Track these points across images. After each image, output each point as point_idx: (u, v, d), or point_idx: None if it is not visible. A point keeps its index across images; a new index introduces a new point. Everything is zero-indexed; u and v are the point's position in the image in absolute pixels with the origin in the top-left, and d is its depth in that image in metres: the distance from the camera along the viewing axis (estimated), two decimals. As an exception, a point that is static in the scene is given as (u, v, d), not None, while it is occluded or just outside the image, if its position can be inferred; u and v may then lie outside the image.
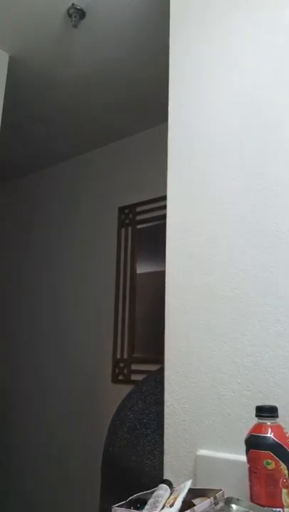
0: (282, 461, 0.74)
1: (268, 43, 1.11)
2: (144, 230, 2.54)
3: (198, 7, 1.30)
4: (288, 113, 1.03)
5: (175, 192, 1.21)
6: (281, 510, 0.72)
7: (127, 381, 2.38)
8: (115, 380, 2.44)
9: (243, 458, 0.80)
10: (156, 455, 1.12)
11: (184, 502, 0.71)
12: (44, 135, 2.81)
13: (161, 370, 1.32)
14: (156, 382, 1.29)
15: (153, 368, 2.14)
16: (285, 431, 0.77)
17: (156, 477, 1.08)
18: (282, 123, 1.04)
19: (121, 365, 2.44)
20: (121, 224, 2.66)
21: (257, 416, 0.80)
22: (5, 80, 1.96)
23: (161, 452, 1.10)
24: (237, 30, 1.18)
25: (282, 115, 1.04)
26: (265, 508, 0.72)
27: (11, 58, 2.03)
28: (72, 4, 1.73)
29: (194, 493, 0.78)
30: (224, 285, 1.04)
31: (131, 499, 0.79)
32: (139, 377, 2.29)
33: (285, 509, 0.72)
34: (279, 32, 1.10)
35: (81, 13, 1.76)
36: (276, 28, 1.10)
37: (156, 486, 0.80)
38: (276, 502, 0.73)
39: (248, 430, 0.80)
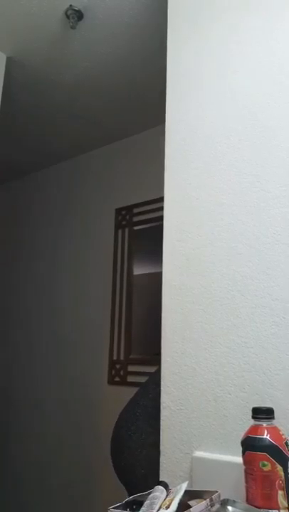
0: (279, 463, 0.74)
1: (267, 45, 1.11)
2: (141, 231, 2.54)
3: (197, 8, 1.30)
4: (285, 116, 1.04)
5: (172, 193, 1.21)
6: (277, 511, 0.72)
7: (124, 382, 2.37)
8: (111, 381, 2.43)
9: (240, 459, 0.80)
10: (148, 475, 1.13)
11: (179, 504, 0.71)
12: (41, 136, 2.81)
13: (139, 392, 1.31)
14: (136, 406, 1.29)
15: (149, 369, 2.14)
16: (281, 432, 0.77)
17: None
18: (279, 126, 1.04)
19: (117, 366, 2.44)
20: (118, 225, 2.66)
21: (253, 417, 0.80)
22: (2, 81, 1.96)
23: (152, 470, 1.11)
24: (237, 31, 1.18)
25: (279, 118, 1.05)
26: (261, 509, 0.72)
27: (8, 59, 2.03)
28: (70, 5, 1.73)
29: (190, 495, 0.78)
30: (221, 286, 1.04)
31: (127, 501, 0.79)
32: (135, 379, 2.29)
33: (281, 511, 0.72)
34: (278, 35, 1.10)
35: (79, 14, 1.76)
36: (276, 32, 1.11)
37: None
38: (272, 504, 0.73)
39: (245, 432, 0.80)
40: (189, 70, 1.26)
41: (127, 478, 1.21)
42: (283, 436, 0.77)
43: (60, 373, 2.71)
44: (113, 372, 2.44)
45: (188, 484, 0.79)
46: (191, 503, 0.76)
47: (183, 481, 0.82)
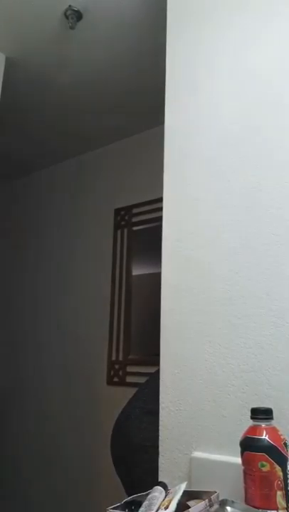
0: (277, 464, 0.74)
1: (267, 50, 1.12)
2: (140, 231, 2.54)
3: (197, 11, 1.30)
4: (283, 117, 1.04)
5: (171, 194, 1.21)
6: (276, 512, 0.72)
7: (122, 383, 2.37)
8: (110, 382, 2.43)
9: (238, 460, 0.80)
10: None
11: (178, 504, 0.71)
12: (40, 136, 2.80)
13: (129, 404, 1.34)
14: (129, 407, 1.33)
15: (148, 369, 2.14)
16: (279, 433, 0.78)
17: None
18: (277, 126, 1.04)
19: (116, 366, 2.43)
20: (117, 225, 2.66)
21: (252, 418, 0.80)
22: (1, 80, 1.96)
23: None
24: (237, 36, 1.19)
25: (277, 118, 1.05)
26: (260, 510, 0.72)
27: (7, 59, 2.03)
28: (69, 6, 1.73)
29: (189, 496, 0.78)
30: (219, 287, 1.04)
31: (126, 501, 0.79)
32: (134, 379, 2.29)
33: (280, 511, 0.72)
34: (280, 41, 1.10)
35: (78, 15, 1.76)
36: (277, 37, 1.11)
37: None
38: (271, 504, 0.73)
39: (243, 432, 0.80)
40: (188, 70, 1.26)
41: (118, 473, 1.27)
42: (282, 437, 0.77)
43: (59, 374, 2.71)
44: (112, 372, 2.44)
45: (187, 485, 0.79)
46: (190, 503, 0.76)
47: (182, 482, 0.82)
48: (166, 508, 0.70)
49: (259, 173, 1.04)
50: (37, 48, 1.97)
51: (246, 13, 1.17)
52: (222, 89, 1.17)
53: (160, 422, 1.07)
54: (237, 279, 1.02)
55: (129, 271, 2.52)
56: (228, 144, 1.12)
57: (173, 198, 1.20)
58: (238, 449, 0.80)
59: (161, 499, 0.75)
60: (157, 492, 0.77)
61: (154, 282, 2.35)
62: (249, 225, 1.03)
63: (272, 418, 0.79)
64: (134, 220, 2.59)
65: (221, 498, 0.76)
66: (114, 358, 2.46)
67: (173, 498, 0.73)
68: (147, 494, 0.78)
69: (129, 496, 0.82)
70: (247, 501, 0.76)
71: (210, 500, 0.74)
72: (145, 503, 0.74)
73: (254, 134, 1.08)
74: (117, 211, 2.68)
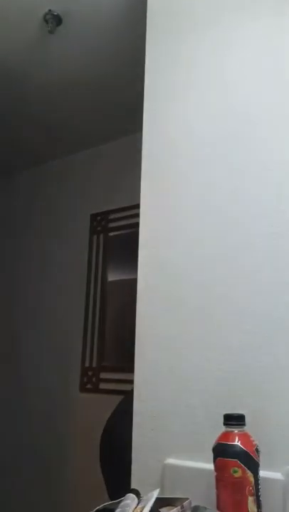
0: (249, 469, 0.75)
1: (245, 59, 1.14)
2: (116, 237, 2.54)
3: (177, 17, 1.32)
4: (256, 128, 1.06)
5: (148, 200, 1.21)
6: (247, 517, 0.73)
7: (96, 390, 2.35)
8: (83, 389, 2.41)
9: (211, 466, 0.80)
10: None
11: (151, 511, 0.71)
12: (17, 140, 2.77)
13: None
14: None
15: (122, 376, 2.13)
16: (251, 439, 0.78)
17: None
18: (255, 136, 1.06)
19: (89, 373, 2.41)
20: (93, 231, 2.65)
21: (225, 424, 0.81)
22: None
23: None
24: (215, 45, 1.21)
25: (254, 129, 1.07)
26: (231, 516, 0.73)
27: (-16, 61, 2.01)
28: (49, 10, 1.72)
29: (162, 502, 0.78)
30: (194, 294, 1.05)
31: (98, 509, 0.78)
32: (107, 386, 2.27)
33: (251, 517, 0.73)
34: (258, 50, 1.13)
35: (57, 19, 1.75)
36: (255, 44, 1.14)
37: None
38: (242, 510, 0.73)
39: (216, 438, 0.81)
40: (167, 80, 1.28)
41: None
42: (254, 443, 0.78)
43: (32, 380, 2.67)
44: (85, 379, 2.42)
45: (159, 492, 0.79)
46: (162, 510, 0.76)
47: (154, 489, 0.82)
48: (139, 515, 0.70)
49: (236, 183, 1.06)
50: (15, 51, 1.96)
51: (224, 22, 1.20)
52: (200, 99, 1.19)
53: (133, 429, 1.07)
54: (211, 286, 1.03)
55: (104, 276, 2.51)
56: (206, 152, 1.13)
57: (150, 204, 1.21)
58: (212, 455, 0.80)
59: (133, 506, 0.74)
60: (130, 499, 0.76)
61: (129, 288, 2.35)
62: (226, 234, 1.04)
63: (244, 424, 0.80)
64: (111, 225, 2.59)
65: (193, 505, 0.76)
66: (87, 364, 2.44)
67: (145, 505, 0.72)
68: (119, 502, 0.77)
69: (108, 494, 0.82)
70: (219, 508, 0.76)
71: (182, 507, 0.74)
72: (117, 511, 0.73)
73: (231, 143, 1.10)
74: (93, 216, 2.67)
